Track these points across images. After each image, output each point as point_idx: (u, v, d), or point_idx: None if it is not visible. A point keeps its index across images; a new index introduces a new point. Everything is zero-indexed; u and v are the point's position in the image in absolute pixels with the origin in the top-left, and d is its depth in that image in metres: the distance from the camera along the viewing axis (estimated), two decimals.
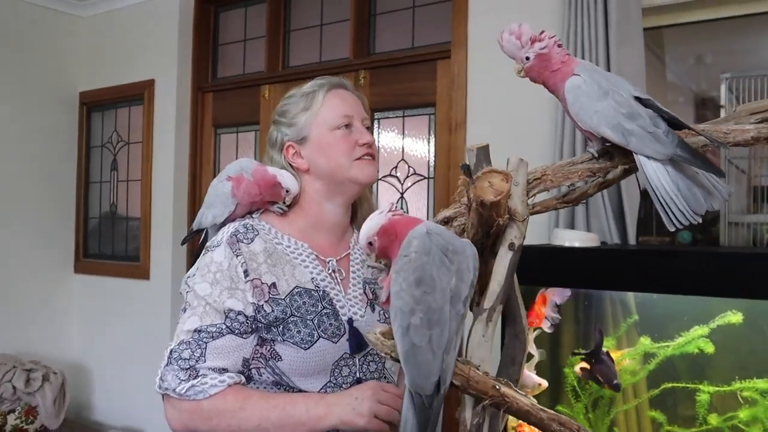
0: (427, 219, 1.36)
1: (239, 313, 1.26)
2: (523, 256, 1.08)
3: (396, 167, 3.14)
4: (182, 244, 1.68)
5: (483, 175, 0.97)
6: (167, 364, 1.24)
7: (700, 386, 1.77)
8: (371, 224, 1.05)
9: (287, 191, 1.37)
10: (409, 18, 3.15)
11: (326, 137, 1.37)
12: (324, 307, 1.32)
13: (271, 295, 1.28)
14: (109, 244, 4.08)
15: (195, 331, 1.25)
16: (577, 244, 2.09)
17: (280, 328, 1.27)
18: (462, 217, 1.14)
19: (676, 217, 0.96)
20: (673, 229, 0.94)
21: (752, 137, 1.02)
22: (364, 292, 1.41)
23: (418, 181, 3.09)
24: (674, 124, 1.03)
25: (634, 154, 1.03)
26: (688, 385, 1.79)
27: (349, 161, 1.37)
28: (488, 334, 1.01)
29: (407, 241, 0.96)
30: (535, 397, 1.05)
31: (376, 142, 2.47)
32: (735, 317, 1.74)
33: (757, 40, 2.78)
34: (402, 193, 3.13)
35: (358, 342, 1.33)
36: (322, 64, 3.36)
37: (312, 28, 3.48)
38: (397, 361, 0.94)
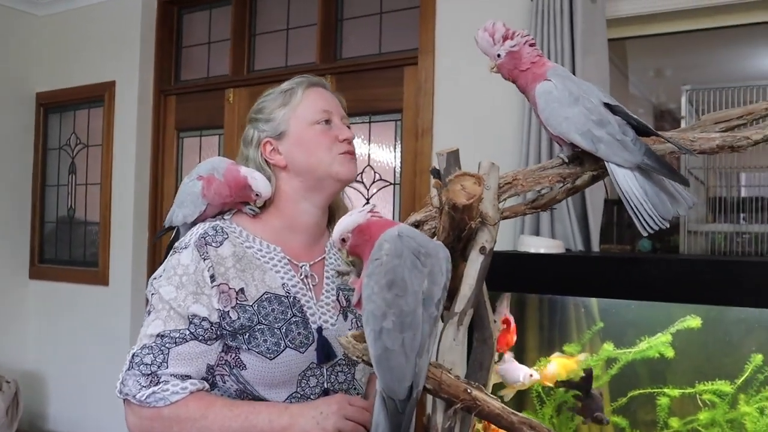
0: None
1: (204, 319, 1.22)
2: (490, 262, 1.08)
3: (362, 173, 3.14)
4: (155, 239, 1.64)
5: (455, 179, 0.97)
6: (129, 369, 1.20)
7: (665, 390, 1.80)
8: (349, 220, 1.03)
9: (257, 195, 1.32)
10: (376, 24, 3.15)
11: (305, 132, 1.34)
12: (293, 315, 1.28)
13: (238, 301, 1.24)
14: (66, 249, 3.97)
15: (158, 335, 1.21)
16: (542, 251, 2.13)
17: (246, 336, 1.23)
18: (432, 220, 1.14)
19: (647, 222, 0.98)
20: (645, 234, 0.96)
21: (717, 145, 1.05)
22: (338, 299, 1.36)
23: (384, 187, 3.09)
24: (642, 131, 1.05)
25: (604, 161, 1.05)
26: (654, 390, 1.82)
27: (331, 156, 1.33)
28: (459, 338, 1.01)
29: (379, 244, 0.95)
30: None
31: None
32: (694, 321, 1.78)
33: (717, 53, 2.87)
34: (368, 199, 3.12)
35: (326, 352, 1.28)
36: (288, 69, 3.34)
37: (278, 32, 3.46)
38: (370, 365, 0.93)
